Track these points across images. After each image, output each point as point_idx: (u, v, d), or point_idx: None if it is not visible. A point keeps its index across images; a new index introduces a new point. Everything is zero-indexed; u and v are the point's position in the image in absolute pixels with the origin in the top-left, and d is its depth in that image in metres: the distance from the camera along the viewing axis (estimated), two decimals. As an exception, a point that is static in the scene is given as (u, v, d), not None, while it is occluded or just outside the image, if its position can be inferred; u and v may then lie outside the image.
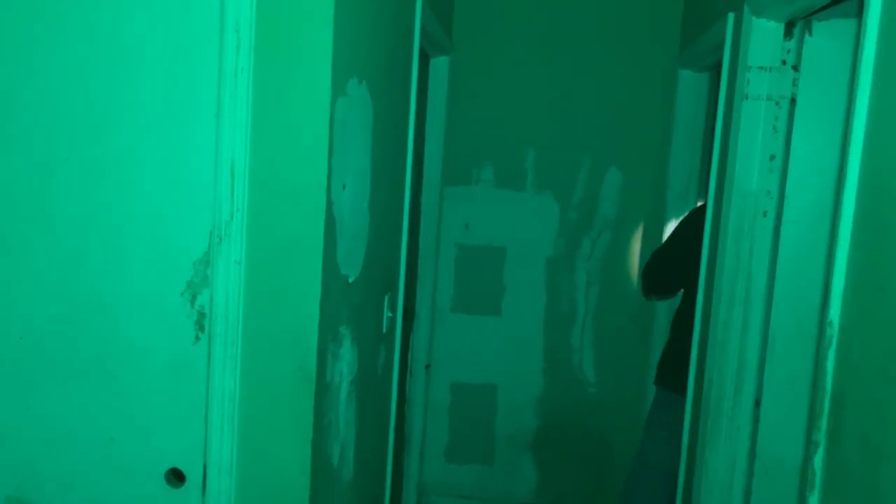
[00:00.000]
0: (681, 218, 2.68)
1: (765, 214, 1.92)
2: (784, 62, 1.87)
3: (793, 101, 1.88)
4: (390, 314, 2.09)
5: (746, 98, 1.91)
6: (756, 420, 1.96)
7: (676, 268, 2.50)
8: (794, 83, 1.87)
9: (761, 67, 1.89)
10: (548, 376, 3.09)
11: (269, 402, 1.45)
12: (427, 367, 3.06)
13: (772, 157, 1.90)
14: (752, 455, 1.96)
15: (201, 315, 1.43)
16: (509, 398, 3.11)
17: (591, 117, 2.95)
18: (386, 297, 2.05)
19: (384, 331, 2.06)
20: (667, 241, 2.61)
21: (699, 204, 2.65)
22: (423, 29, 2.22)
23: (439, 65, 2.90)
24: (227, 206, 1.40)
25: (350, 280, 1.61)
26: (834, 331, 1.22)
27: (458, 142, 2.99)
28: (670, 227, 2.78)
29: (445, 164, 2.98)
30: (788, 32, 1.87)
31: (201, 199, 1.41)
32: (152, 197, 1.42)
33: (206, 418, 1.45)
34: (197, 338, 1.44)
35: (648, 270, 2.60)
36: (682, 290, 2.58)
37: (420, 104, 2.79)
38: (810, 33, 1.83)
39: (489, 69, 2.98)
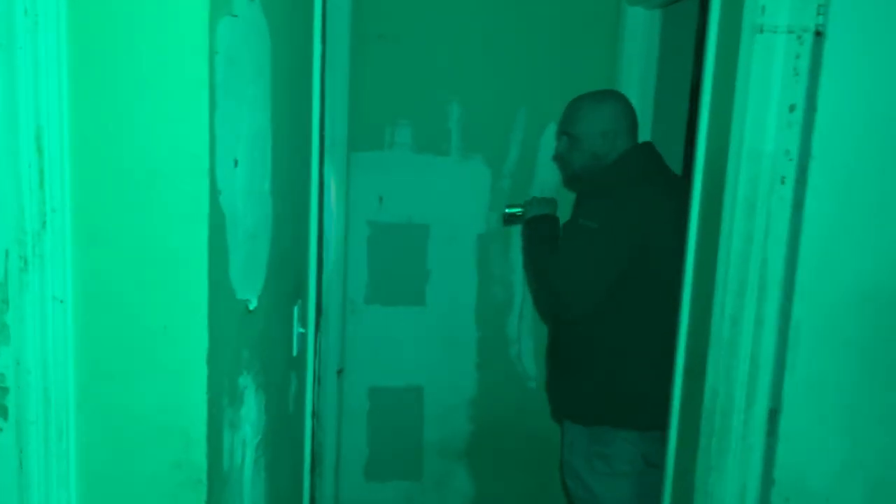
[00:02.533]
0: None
1: (783, 181, 1.51)
2: (807, -17, 1.45)
3: (818, 34, 1.47)
4: (302, 330, 1.55)
5: (761, 31, 1.48)
6: (773, 435, 1.59)
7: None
8: (820, 11, 1.46)
9: (780, -10, 1.46)
10: (482, 372, 2.64)
11: (132, 523, 0.89)
12: (339, 371, 2.53)
13: (791, 108, 1.49)
14: (769, 480, 1.59)
15: (1, 390, 0.84)
16: (438, 401, 2.64)
17: (525, 64, 2.47)
18: (296, 309, 1.50)
19: (295, 354, 1.52)
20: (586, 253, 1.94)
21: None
22: (326, -59, 1.65)
23: (339, -1, 2.32)
24: (33, 204, 0.82)
25: (251, 305, 1.06)
26: None
27: (367, 97, 2.44)
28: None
29: (352, 124, 2.42)
30: (813, -56, 1.45)
31: (-15, 192, 0.81)
32: None
33: (22, 557, 0.87)
34: (-4, 428, 0.85)
35: (561, 285, 1.95)
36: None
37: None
38: (843, -56, 1.42)
39: (402, 5, 2.42)
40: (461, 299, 2.58)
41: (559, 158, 2.18)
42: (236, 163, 0.96)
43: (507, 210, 2.24)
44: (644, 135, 2.42)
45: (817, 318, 1.50)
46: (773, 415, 1.58)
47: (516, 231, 2.55)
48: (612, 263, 1.92)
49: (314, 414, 1.78)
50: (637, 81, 2.42)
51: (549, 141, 2.51)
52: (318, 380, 2.48)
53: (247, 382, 1.08)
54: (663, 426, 2.04)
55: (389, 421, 2.63)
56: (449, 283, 2.56)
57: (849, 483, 1.54)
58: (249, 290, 1.06)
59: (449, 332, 2.59)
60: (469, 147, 2.50)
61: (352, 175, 2.46)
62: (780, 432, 1.56)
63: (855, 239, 1.47)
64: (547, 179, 2.54)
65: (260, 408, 1.17)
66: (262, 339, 1.17)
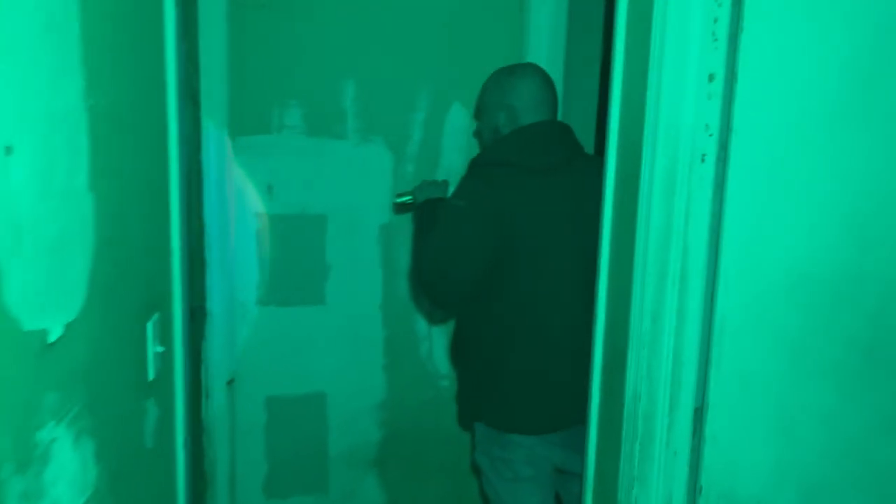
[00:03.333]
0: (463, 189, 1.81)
1: (703, 159, 1.37)
2: (724, -63, 1.30)
3: (737, -6, 1.32)
4: (161, 349, 1.31)
5: (675, -9, 1.32)
6: (699, 437, 1.45)
7: (471, 268, 1.76)
8: (738, -32, 1.31)
9: (694, -54, 1.30)
10: (390, 374, 2.44)
11: None
12: (230, 382, 2.28)
13: (710, 77, 1.34)
14: (696, 488, 1.46)
15: None
16: (343, 407, 2.43)
17: (427, 38, 2.26)
18: (150, 325, 1.25)
19: (152, 377, 1.27)
20: (445, 228, 1.76)
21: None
22: None
23: (211, -38, 2.05)
24: None
25: (53, 336, 0.82)
26: None
27: (250, 74, 2.18)
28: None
29: (233, 104, 2.16)
30: None
31: None
32: None
33: None
34: None
35: (431, 271, 1.78)
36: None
37: (188, 19, 1.95)
38: None
39: (285, -30, 2.17)
40: (365, 296, 2.37)
41: (476, 135, 2.01)
42: (10, 150, 0.71)
43: (396, 199, 2.01)
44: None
45: (744, 308, 1.37)
46: (699, 415, 1.44)
47: (422, 220, 2.36)
48: (479, 244, 1.73)
49: (188, 440, 1.54)
50: (545, 54, 2.25)
51: (454, 121, 2.31)
52: (206, 392, 2.23)
53: (56, 433, 0.84)
54: (561, 428, 1.87)
55: (290, 431, 2.40)
56: (351, 278, 2.35)
57: (782, 486, 1.42)
58: (51, 315, 0.81)
59: (353, 332, 2.38)
60: (367, 129, 2.28)
61: (236, 162, 2.20)
62: (705, 434, 1.42)
63: (783, 221, 1.34)
64: (453, 162, 2.35)
65: (86, 459, 0.93)
66: (84, 374, 0.93)
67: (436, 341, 2.44)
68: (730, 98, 1.33)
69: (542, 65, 2.23)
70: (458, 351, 1.95)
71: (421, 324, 2.43)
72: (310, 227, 2.29)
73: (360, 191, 2.30)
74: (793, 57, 1.29)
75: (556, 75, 2.28)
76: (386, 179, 2.31)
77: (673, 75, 1.34)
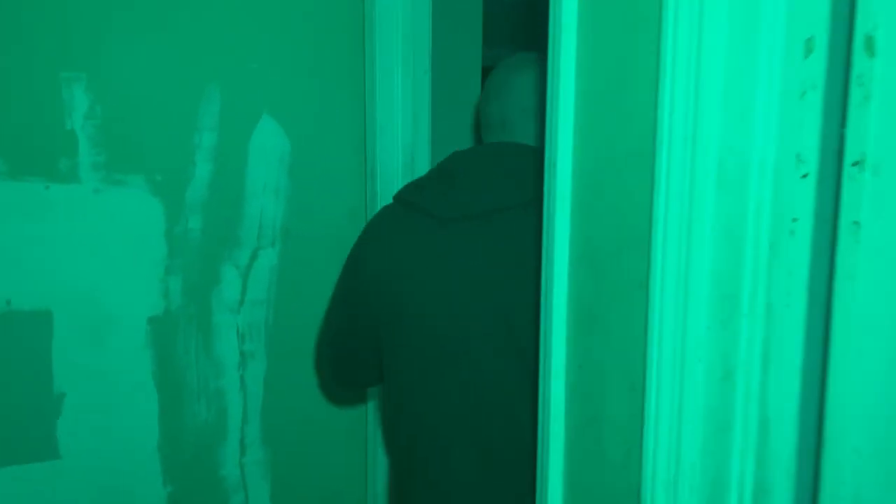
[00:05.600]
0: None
1: (792, 229, 0.62)
2: None
3: None
4: None
5: None
6: None
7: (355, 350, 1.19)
8: None
9: None
10: (184, 550, 1.54)
11: None
12: None
13: (807, 47, 0.60)
14: None
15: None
16: None
17: (213, 8, 1.41)
18: None
19: None
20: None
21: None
22: None
23: None
24: None
25: None
26: None
27: None
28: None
29: None
30: None
31: None
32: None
33: None
34: None
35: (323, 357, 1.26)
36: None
37: None
38: None
39: None
40: (129, 436, 1.45)
41: None
42: None
43: None
44: (421, 131, 1.48)
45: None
46: None
47: (220, 302, 1.48)
48: (346, 310, 1.16)
49: None
50: (403, 46, 1.46)
51: (264, 144, 1.47)
52: None
53: None
54: None
55: None
56: (102, 411, 1.42)
57: None
58: None
59: (111, 495, 1.45)
60: (116, 164, 1.37)
61: None
62: None
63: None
64: (268, 208, 1.50)
65: None
66: None
67: (254, 491, 1.57)
68: (844, 94, 0.61)
69: (392, 61, 1.45)
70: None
71: (230, 466, 1.55)
72: (21, 332, 1.35)
73: (110, 267, 1.39)
74: None
75: (423, 72, 1.50)
76: (155, 245, 1.41)
77: (727, 51, 0.60)
